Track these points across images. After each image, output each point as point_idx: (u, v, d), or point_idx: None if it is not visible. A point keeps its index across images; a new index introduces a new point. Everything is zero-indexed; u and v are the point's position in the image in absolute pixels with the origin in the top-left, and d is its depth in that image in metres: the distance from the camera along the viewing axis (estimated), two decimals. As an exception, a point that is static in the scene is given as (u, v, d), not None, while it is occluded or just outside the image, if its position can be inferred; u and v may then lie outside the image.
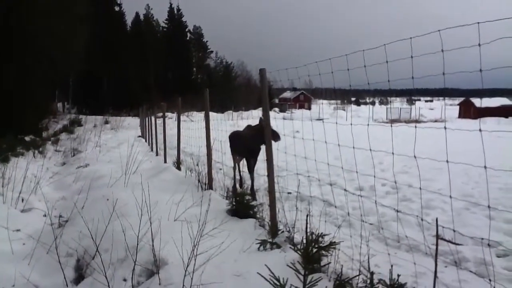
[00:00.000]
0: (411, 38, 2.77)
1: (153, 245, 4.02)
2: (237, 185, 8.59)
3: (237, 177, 8.89)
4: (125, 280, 4.10)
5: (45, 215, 6.50)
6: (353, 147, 4.63)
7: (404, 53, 3.05)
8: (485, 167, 2.70)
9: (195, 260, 3.46)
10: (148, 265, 4.17)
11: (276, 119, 9.32)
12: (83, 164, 12.25)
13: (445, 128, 2.88)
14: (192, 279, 3.35)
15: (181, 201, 5.98)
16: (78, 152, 15.50)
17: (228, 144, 9.11)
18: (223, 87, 64.36)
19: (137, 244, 4.14)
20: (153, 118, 16.95)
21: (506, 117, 46.79)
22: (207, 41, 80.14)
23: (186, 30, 74.92)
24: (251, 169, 8.28)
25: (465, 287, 3.95)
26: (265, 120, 5.21)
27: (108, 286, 3.73)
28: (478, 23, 2.25)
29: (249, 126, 8.87)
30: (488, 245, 3.00)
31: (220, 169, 9.20)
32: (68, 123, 29.53)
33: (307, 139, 5.29)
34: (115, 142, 19.69)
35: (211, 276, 3.70)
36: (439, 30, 2.51)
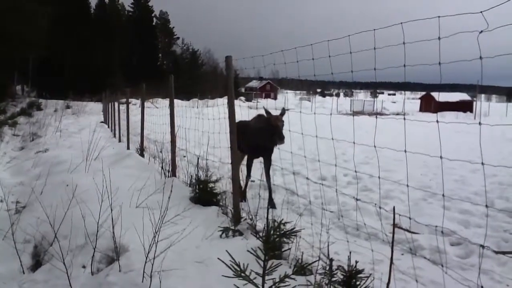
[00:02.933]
0: (374, 30, 2.82)
1: (113, 232, 3.96)
2: (244, 188, 7.23)
3: (242, 179, 7.38)
4: (84, 267, 4.03)
5: (1, 201, 6.29)
6: (316, 136, 4.70)
7: (369, 45, 3.10)
8: (440, 157, 2.80)
9: (155, 246, 3.44)
10: (108, 252, 4.12)
11: (241, 107, 9.32)
12: (42, 149, 11.90)
13: (404, 119, 2.96)
14: (152, 265, 3.33)
15: (143, 188, 5.90)
16: (37, 136, 15.04)
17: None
18: (189, 75, 63.63)
19: (97, 230, 4.08)
20: (116, 104, 16.61)
21: (464, 111, 48.40)
22: (173, 27, 79.07)
23: (152, 15, 73.60)
24: (267, 173, 6.97)
25: (419, 274, 4.09)
26: (229, 111, 5.19)
27: (67, 273, 3.66)
28: (439, 17, 2.31)
29: (260, 117, 7.17)
30: (442, 232, 3.11)
31: (184, 156, 9.12)
32: (27, 107, 28.55)
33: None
34: (76, 127, 19.21)
35: (172, 262, 3.69)
36: (401, 23, 2.56)
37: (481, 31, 2.08)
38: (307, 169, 6.84)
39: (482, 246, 2.69)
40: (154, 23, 74.35)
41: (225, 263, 2.42)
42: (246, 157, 7.57)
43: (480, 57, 2.19)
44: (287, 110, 6.87)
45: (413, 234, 5.16)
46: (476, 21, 2.27)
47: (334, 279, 3.16)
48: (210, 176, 6.12)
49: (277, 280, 2.39)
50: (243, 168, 7.49)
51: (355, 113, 40.45)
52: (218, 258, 2.55)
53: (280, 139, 6.26)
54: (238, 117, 5.62)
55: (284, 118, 6.55)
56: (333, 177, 8.60)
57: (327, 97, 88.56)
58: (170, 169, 7.57)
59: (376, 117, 3.07)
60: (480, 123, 2.56)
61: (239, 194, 6.74)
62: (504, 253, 4.76)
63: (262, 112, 6.90)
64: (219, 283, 3.12)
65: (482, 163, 2.42)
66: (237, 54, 5.41)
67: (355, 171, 4.42)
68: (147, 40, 66.67)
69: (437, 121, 2.71)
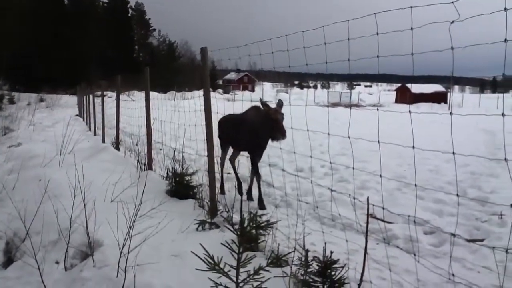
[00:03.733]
0: (348, 20, 2.82)
1: (87, 227, 3.90)
2: (221, 187, 6.90)
3: (225, 177, 7.40)
4: (57, 262, 3.96)
5: (-29, 197, 6.12)
6: (291, 128, 4.71)
7: (344, 37, 3.10)
8: (413, 147, 2.83)
9: (130, 241, 3.40)
10: (82, 247, 4.05)
11: (217, 99, 9.23)
12: (15, 143, 11.64)
13: (377, 110, 2.97)
14: (127, 260, 3.29)
15: (118, 182, 5.82)
16: (9, 130, 14.68)
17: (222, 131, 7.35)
18: (166, 67, 62.95)
19: (70, 226, 4.00)
20: (91, 97, 16.34)
21: (439, 102, 49.25)
22: (149, 19, 77.97)
23: (128, 6, 72.41)
24: (255, 168, 6.50)
25: (394, 262, 4.15)
26: (205, 103, 5.15)
27: (39, 269, 3.58)
28: (411, 7, 2.32)
29: (255, 109, 6.59)
30: (414, 222, 3.15)
31: (161, 149, 9.04)
32: (-2, 100, 27.84)
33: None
34: (50, 120, 18.85)
35: (148, 256, 3.66)
36: (374, 13, 2.57)
37: (453, 22, 2.09)
38: (284, 160, 6.84)
39: (453, 235, 2.74)
40: (129, 15, 73.18)
41: (198, 257, 2.40)
42: (232, 152, 7.39)
43: (452, 48, 2.21)
44: (265, 102, 6.68)
45: (388, 224, 5.23)
46: (449, 11, 2.29)
47: (309, 269, 3.17)
48: (187, 169, 6.08)
49: (252, 272, 2.39)
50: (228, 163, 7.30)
51: (332, 105, 40.68)
52: (191, 252, 2.53)
53: (282, 134, 5.74)
54: (215, 110, 5.58)
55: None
56: (309, 168, 8.64)
57: (305, 89, 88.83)
58: (146, 163, 7.50)
59: (350, 108, 3.09)
60: (451, 113, 2.60)
61: (221, 187, 6.75)
62: (475, 241, 4.86)
63: (254, 104, 6.60)
64: (195, 276, 3.10)
65: (453, 153, 2.45)
66: (216, 46, 5.35)
67: (330, 162, 4.45)
68: (122, 32, 65.61)
69: (410, 112, 2.73)
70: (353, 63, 3.09)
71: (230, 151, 7.36)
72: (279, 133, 5.74)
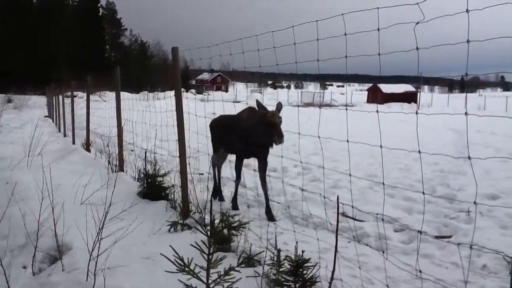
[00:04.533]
0: (317, 21, 2.84)
1: (55, 230, 3.82)
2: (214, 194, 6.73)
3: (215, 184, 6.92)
4: (25, 267, 3.86)
5: None
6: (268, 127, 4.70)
7: (314, 37, 3.13)
8: (380, 146, 2.88)
9: (99, 244, 3.34)
10: (50, 251, 3.96)
11: (189, 99, 9.16)
12: (-20, 146, 11.29)
13: (346, 109, 3.02)
14: (96, 263, 3.23)
15: (88, 184, 5.73)
16: (-25, 132, 14.27)
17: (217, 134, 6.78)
18: (138, 67, 62.18)
19: (38, 229, 3.91)
20: (61, 97, 16.01)
21: (409, 102, 50.20)
22: (121, 18, 76.93)
23: (99, 5, 71.28)
24: (262, 177, 5.98)
25: (365, 260, 4.21)
26: (177, 103, 5.11)
27: (5, 274, 3.49)
28: (378, 8, 2.35)
29: (251, 110, 6.12)
30: (382, 219, 3.22)
31: (132, 150, 8.92)
32: (-37, 101, 26.99)
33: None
34: (18, 122, 18.39)
35: (118, 259, 3.60)
36: (342, 14, 2.60)
37: (417, 23, 2.14)
38: (257, 161, 6.85)
39: (420, 232, 2.80)
40: (100, 14, 72.06)
41: (168, 258, 2.38)
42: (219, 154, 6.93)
43: (417, 48, 2.25)
44: (238, 102, 6.66)
45: (359, 222, 5.30)
46: (416, 13, 2.34)
47: (282, 269, 3.19)
48: (159, 170, 6.03)
49: (222, 273, 2.38)
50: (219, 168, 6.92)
51: (305, 105, 41.00)
52: (161, 254, 2.51)
53: (279, 137, 5.40)
54: (188, 110, 5.54)
55: (235, 111, 6.18)
56: (283, 168, 8.68)
57: (278, 89, 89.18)
58: (117, 164, 7.40)
59: (320, 108, 3.11)
60: (417, 113, 2.66)
61: (217, 191, 6.68)
62: (443, 237, 4.98)
63: (248, 105, 6.25)
64: (166, 278, 3.07)
65: (419, 151, 2.51)
66: (189, 47, 5.32)
67: (301, 162, 4.48)
68: (93, 31, 64.50)
69: (377, 111, 2.78)
70: (326, 63, 3.12)
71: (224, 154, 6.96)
72: (276, 137, 5.43)
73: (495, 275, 3.94)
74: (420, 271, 2.51)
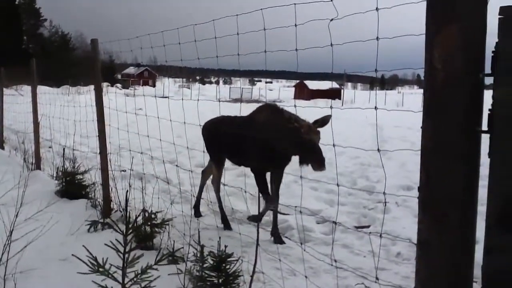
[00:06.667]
0: (237, 15, 2.85)
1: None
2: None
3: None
4: None
5: None
6: (200, 125, 4.66)
7: (235, 31, 3.13)
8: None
9: (9, 247, 3.13)
10: (-45, 257, 3.66)
11: (112, 94, 8.83)
12: None
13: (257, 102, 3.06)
14: (6, 268, 3.03)
15: (0, 183, 5.35)
16: None
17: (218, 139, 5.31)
18: (59, 60, 59.08)
19: None
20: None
21: (334, 98, 51.99)
22: (40, 8, 72.63)
23: (15, -7, 66.83)
24: (275, 189, 4.85)
25: (288, 252, 4.32)
26: (97, 98, 4.91)
27: None
28: (295, 4, 2.40)
29: (272, 112, 4.69)
30: (300, 212, 3.33)
31: (50, 147, 8.47)
32: None
33: (151, 117, 5.11)
34: None
35: (33, 262, 3.42)
36: (261, 9, 2.62)
37: (332, 19, 2.20)
38: (184, 156, 6.77)
39: (335, 223, 2.91)
40: (17, 2, 67.57)
41: (79, 259, 2.28)
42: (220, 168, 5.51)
43: (331, 44, 2.32)
44: (166, 97, 5.94)
45: (283, 216, 5.40)
46: (330, 9, 2.41)
47: (205, 265, 3.17)
48: (78, 167, 5.78)
49: (139, 271, 2.32)
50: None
51: (234, 100, 41.13)
52: (72, 255, 2.40)
53: (320, 166, 4.20)
54: (112, 105, 5.33)
55: (163, 106, 5.27)
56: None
57: (207, 85, 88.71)
58: (34, 162, 7.00)
59: (241, 104, 3.13)
60: (331, 107, 2.75)
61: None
62: (362, 227, 5.21)
63: (265, 102, 5.37)
64: (84, 280, 2.94)
65: (334, 145, 2.61)
66: (114, 39, 5.12)
67: (228, 158, 4.49)
68: (8, 21, 60.32)
69: (295, 106, 2.85)
70: (255, 59, 3.14)
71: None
72: (315, 164, 4.21)
73: (408, 261, 4.18)
74: (336, 261, 2.61)
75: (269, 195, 4.69)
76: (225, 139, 4.99)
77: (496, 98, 1.52)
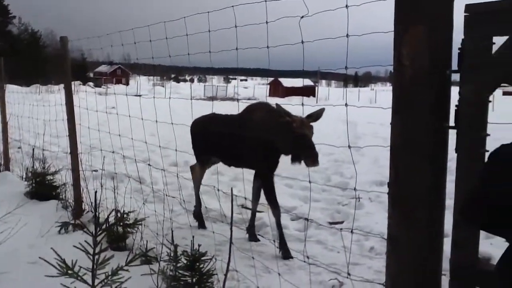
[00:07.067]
0: (208, 12, 2.83)
1: None
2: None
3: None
4: None
5: None
6: (172, 123, 4.59)
7: (207, 28, 3.10)
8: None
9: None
10: None
11: (84, 92, 8.63)
12: None
13: (237, 101, 3.05)
14: (-29, 272, 2.94)
15: (-34, 186, 5.21)
16: None
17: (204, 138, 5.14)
18: (29, 58, 57.61)
19: None
20: None
21: (308, 96, 52.35)
22: (8, 5, 70.64)
23: (-20, -11, 64.90)
24: (271, 195, 4.52)
25: (263, 250, 4.32)
26: (67, 96, 4.81)
27: None
28: (266, 1, 2.39)
29: (267, 110, 4.50)
30: (268, 208, 3.32)
31: (19, 147, 8.25)
32: None
33: (123, 115, 5.03)
34: None
35: (1, 266, 3.32)
36: (233, 6, 2.61)
37: (302, 17, 2.20)
38: (157, 155, 6.69)
39: (307, 220, 2.93)
40: (-18, -1, 65.66)
41: (47, 262, 2.23)
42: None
43: (302, 42, 2.33)
44: (139, 96, 5.81)
45: (258, 213, 5.39)
46: (302, 7, 2.41)
47: (179, 264, 3.14)
48: (48, 167, 5.65)
49: (110, 273, 2.28)
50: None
51: (208, 98, 40.98)
52: (39, 257, 2.34)
53: (313, 161, 4.04)
54: (82, 104, 5.23)
55: (136, 104, 5.05)
56: (185, 162, 8.59)
57: (181, 83, 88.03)
58: (2, 163, 6.81)
59: (212, 101, 3.10)
60: (302, 104, 2.77)
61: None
62: (336, 223, 5.26)
63: (258, 100, 5.10)
64: (54, 283, 2.88)
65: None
66: (86, 36, 5.01)
67: (202, 156, 4.44)
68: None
69: (276, 104, 2.84)
70: (230, 57, 3.11)
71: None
72: (308, 160, 4.05)
73: (381, 256, 4.23)
74: (308, 257, 2.62)
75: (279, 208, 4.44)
76: (214, 139, 4.81)
77: (462, 94, 1.55)
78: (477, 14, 1.51)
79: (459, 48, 1.54)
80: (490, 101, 1.57)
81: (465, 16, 1.53)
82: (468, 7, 1.53)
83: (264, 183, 4.55)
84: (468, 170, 1.54)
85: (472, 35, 1.52)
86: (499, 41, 1.52)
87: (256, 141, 4.25)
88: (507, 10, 1.45)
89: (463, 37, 1.54)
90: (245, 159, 4.63)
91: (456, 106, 1.54)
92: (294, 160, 4.25)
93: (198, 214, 5.16)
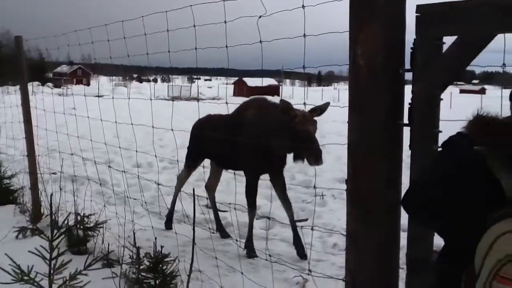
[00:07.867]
0: (166, 11, 2.80)
1: None
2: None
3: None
4: None
5: None
6: (132, 124, 4.50)
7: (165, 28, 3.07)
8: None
9: None
10: None
11: (41, 93, 8.40)
12: None
13: (198, 101, 3.03)
14: None
15: None
16: None
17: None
18: (-17, 58, 55.44)
19: None
20: None
21: (273, 95, 52.66)
22: (-40, 3, 67.80)
23: None
24: (282, 196, 4.57)
25: (228, 249, 4.32)
26: (23, 98, 4.67)
27: None
28: (224, 0, 2.39)
29: (262, 106, 4.43)
30: (235, 209, 3.36)
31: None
32: None
33: (84, 117, 4.89)
34: None
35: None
36: (191, 5, 2.59)
37: (260, 16, 2.21)
38: (120, 156, 6.58)
39: (268, 218, 2.96)
40: None
41: (1, 268, 2.16)
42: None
43: (260, 41, 2.34)
44: (101, 97, 5.66)
45: (223, 213, 5.39)
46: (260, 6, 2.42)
47: (142, 267, 3.10)
48: (5, 171, 5.47)
49: (68, 278, 2.23)
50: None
51: (172, 98, 40.58)
52: (-7, 263, 2.27)
53: (316, 159, 3.75)
54: (39, 106, 5.06)
55: (97, 105, 4.99)
56: (148, 163, 8.50)
57: (144, 83, 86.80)
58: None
59: (173, 101, 3.08)
60: (226, 103, 2.78)
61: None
62: (300, 221, 5.32)
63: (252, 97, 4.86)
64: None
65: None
66: (45, 35, 4.85)
67: (156, 155, 4.34)
68: None
69: (227, 103, 2.85)
70: (192, 57, 3.08)
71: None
72: (311, 158, 3.79)
73: (344, 251, 4.30)
74: (270, 255, 2.64)
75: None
76: (208, 141, 4.59)
77: (415, 93, 1.59)
78: (428, 14, 1.55)
79: (411, 48, 1.58)
80: (442, 99, 1.62)
81: (416, 16, 1.57)
82: (419, 8, 1.57)
83: (248, 181, 4.52)
84: (422, 166, 1.59)
85: (423, 35, 1.56)
86: (449, 40, 1.58)
87: (245, 141, 4.02)
88: (456, 11, 1.50)
89: (415, 37, 1.59)
90: (238, 160, 4.47)
91: (409, 104, 1.59)
92: (297, 158, 4.07)
93: (170, 218, 5.11)
